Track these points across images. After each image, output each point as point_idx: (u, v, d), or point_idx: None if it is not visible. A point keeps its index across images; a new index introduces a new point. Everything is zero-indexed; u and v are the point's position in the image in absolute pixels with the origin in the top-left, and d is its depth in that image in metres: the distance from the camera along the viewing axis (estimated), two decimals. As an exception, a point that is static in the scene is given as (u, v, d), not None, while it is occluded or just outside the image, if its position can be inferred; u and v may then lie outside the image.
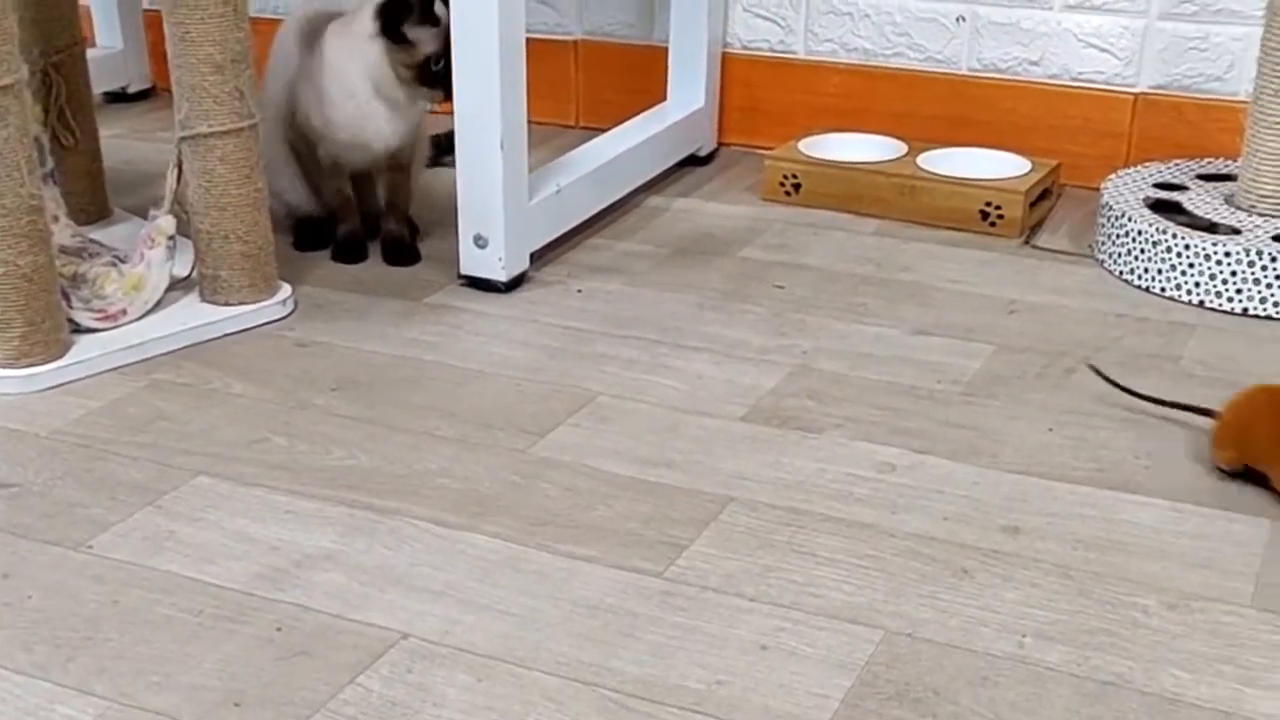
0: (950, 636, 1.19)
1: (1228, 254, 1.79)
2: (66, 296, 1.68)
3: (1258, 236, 1.82)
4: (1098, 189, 2.03)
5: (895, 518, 1.36)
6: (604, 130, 2.24)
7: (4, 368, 1.60)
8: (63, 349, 1.64)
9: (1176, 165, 2.09)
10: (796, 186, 2.19)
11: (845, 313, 1.81)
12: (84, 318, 1.69)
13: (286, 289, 1.81)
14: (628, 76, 2.47)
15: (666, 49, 2.33)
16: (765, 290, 1.88)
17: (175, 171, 1.74)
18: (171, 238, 1.75)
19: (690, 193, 2.25)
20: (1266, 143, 1.86)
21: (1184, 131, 2.17)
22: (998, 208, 2.06)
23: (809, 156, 2.20)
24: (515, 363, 1.68)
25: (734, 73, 2.40)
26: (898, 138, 2.25)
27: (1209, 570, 1.28)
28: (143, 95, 2.77)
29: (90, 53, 2.09)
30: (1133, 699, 1.11)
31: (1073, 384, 1.62)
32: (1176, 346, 1.72)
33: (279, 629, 1.19)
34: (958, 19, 2.26)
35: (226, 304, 1.76)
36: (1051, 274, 1.94)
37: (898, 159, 2.18)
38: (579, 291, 1.88)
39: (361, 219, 1.98)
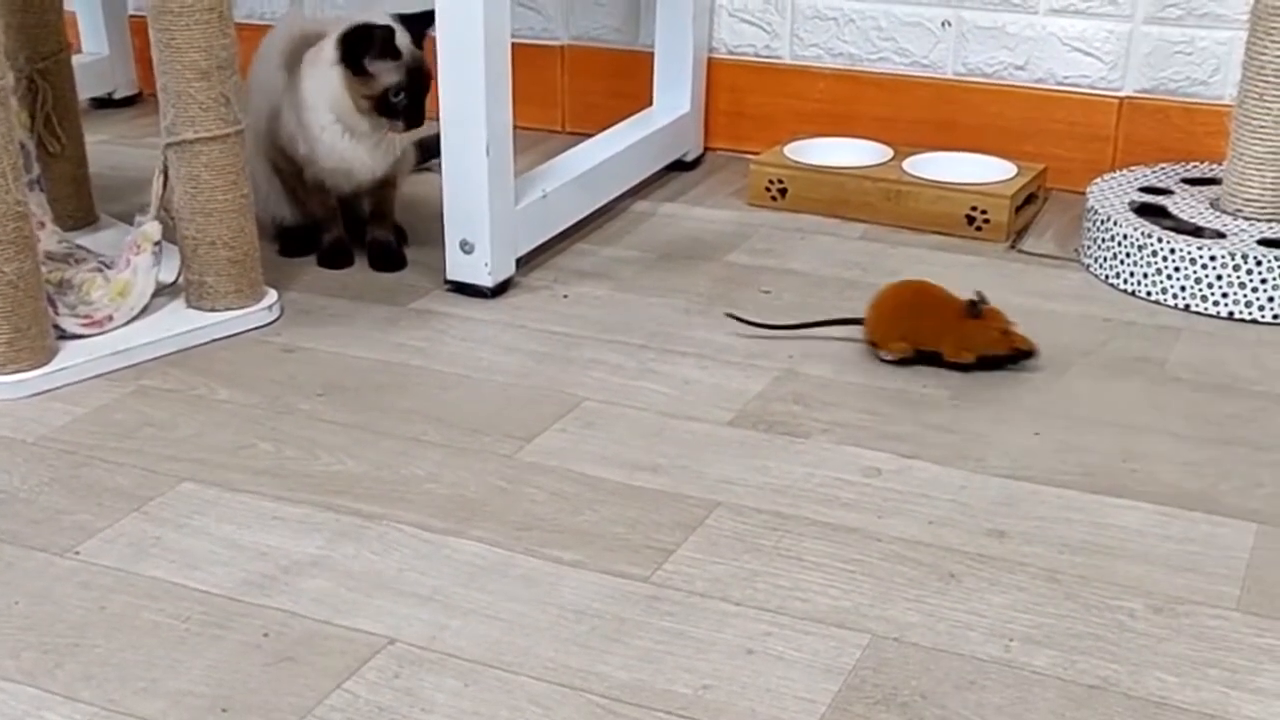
0: (937, 640, 1.19)
1: (1213, 258, 1.80)
2: (53, 303, 1.67)
3: (1243, 240, 1.83)
4: (1083, 193, 2.04)
5: (882, 522, 1.36)
6: (590, 135, 2.25)
7: (-11, 374, 1.60)
8: (49, 355, 1.64)
9: (1162, 169, 2.10)
10: (783, 191, 2.19)
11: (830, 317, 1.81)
12: (70, 324, 1.69)
13: (272, 294, 1.81)
14: (614, 81, 2.47)
15: (653, 54, 2.33)
16: (751, 295, 1.88)
17: (161, 177, 1.74)
18: (157, 243, 1.75)
19: (676, 198, 2.25)
20: (1251, 147, 1.87)
21: (1169, 135, 2.18)
22: (983, 212, 2.06)
23: (795, 161, 2.20)
24: (501, 368, 1.68)
25: (720, 78, 2.41)
26: (883, 142, 2.25)
27: (1195, 574, 1.28)
28: (129, 101, 2.77)
29: (76, 59, 2.09)
30: (1119, 702, 1.12)
31: (1059, 388, 1.63)
32: (1162, 350, 1.72)
33: (266, 635, 1.19)
34: (943, 23, 2.27)
35: (212, 310, 1.76)
36: (1037, 278, 1.94)
37: (883, 164, 2.19)
38: (565, 297, 1.88)
39: (347, 225, 1.98)
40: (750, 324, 1.66)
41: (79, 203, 2.03)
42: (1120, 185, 2.03)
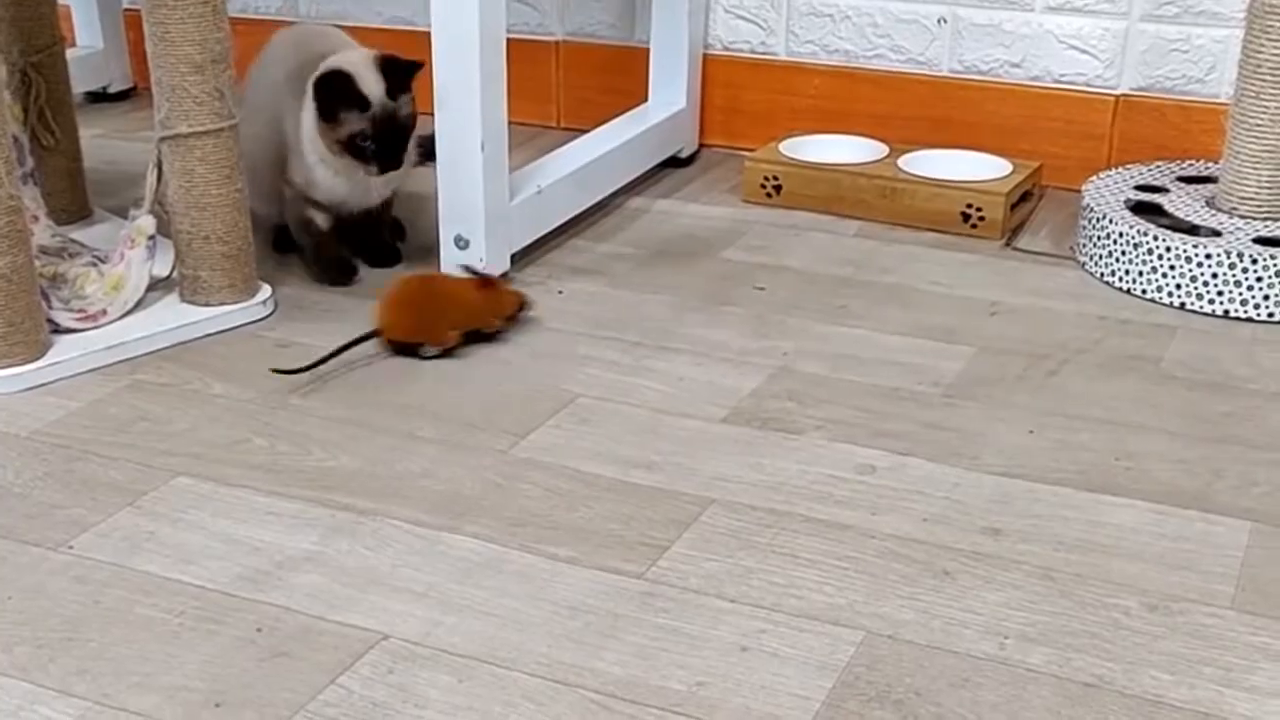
0: (931, 638, 1.19)
1: (1209, 256, 1.80)
2: (46, 297, 1.67)
3: (1239, 239, 1.83)
4: (1079, 191, 2.04)
5: (876, 519, 1.36)
6: (585, 131, 2.24)
7: (-17, 368, 1.59)
8: (42, 349, 1.63)
9: (1158, 167, 2.10)
10: (778, 188, 2.19)
11: (826, 314, 1.81)
12: (64, 318, 1.68)
13: (267, 289, 1.80)
14: (609, 77, 2.47)
15: (648, 50, 2.33)
16: (746, 292, 1.88)
17: (155, 171, 1.74)
18: (152, 238, 1.75)
19: (671, 194, 2.25)
20: (1247, 145, 1.87)
21: (1165, 134, 2.18)
22: (979, 209, 2.06)
23: (790, 158, 2.20)
24: (495, 364, 1.68)
25: (715, 74, 2.40)
26: (879, 139, 2.25)
27: (1189, 572, 1.28)
28: (123, 95, 2.76)
29: (70, 52, 2.09)
30: (1114, 700, 1.12)
31: (1054, 386, 1.63)
32: (1158, 349, 1.72)
33: (260, 630, 1.19)
34: (939, 20, 2.26)
35: (207, 304, 1.75)
36: (1033, 276, 1.94)
37: (879, 160, 2.19)
38: (560, 293, 1.88)
39: (347, 223, 1.96)
40: (290, 372, 1.62)
41: (73, 197, 2.02)
42: (1116, 183, 2.03)
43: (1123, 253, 1.88)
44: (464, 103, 1.76)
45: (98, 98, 2.73)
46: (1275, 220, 1.88)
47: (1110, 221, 1.90)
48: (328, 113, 1.77)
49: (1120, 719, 1.10)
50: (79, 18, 2.70)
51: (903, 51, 2.30)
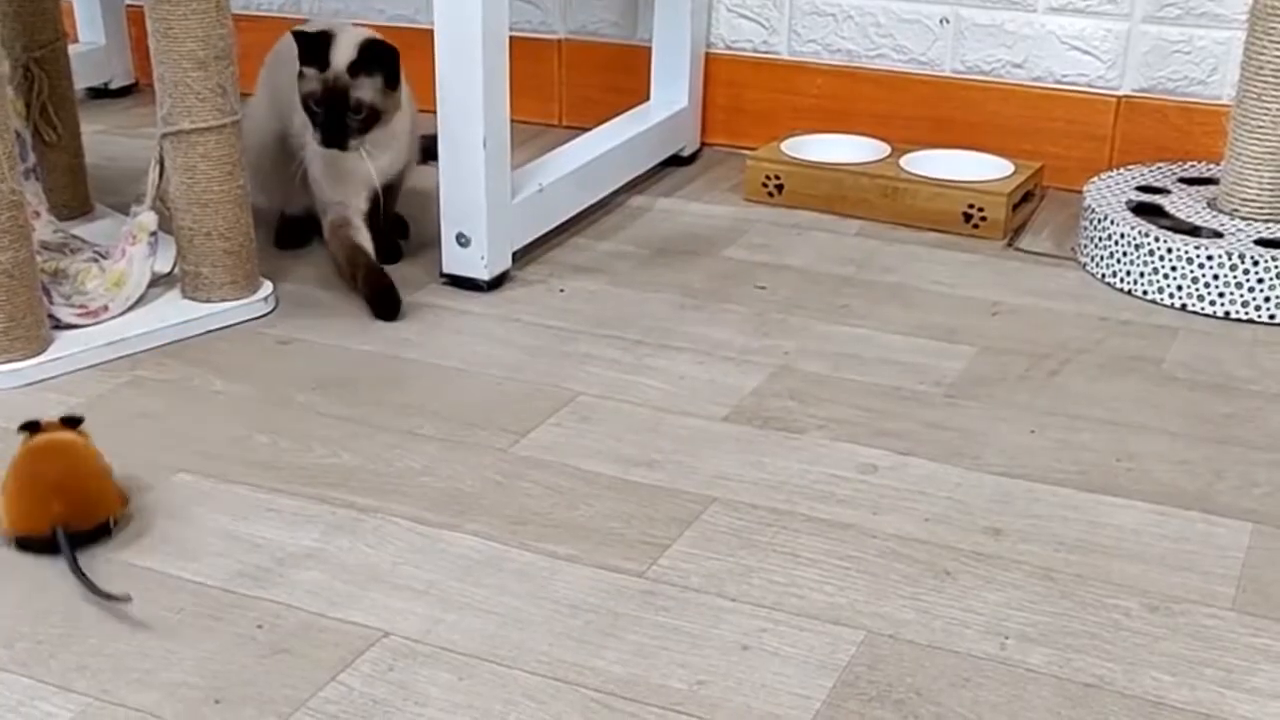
0: (932, 638, 1.19)
1: (1210, 257, 1.80)
2: (48, 292, 1.67)
3: (1240, 240, 1.83)
4: (1080, 192, 2.03)
5: (877, 519, 1.36)
6: (587, 129, 2.24)
7: (-16, 363, 1.59)
8: (44, 345, 1.63)
9: (1159, 168, 2.10)
10: (779, 187, 2.19)
11: (828, 314, 1.81)
12: (65, 314, 1.68)
13: (268, 286, 1.80)
14: (611, 76, 2.47)
15: (650, 48, 2.33)
16: (748, 291, 1.88)
17: (157, 167, 1.74)
18: (153, 234, 1.74)
19: (673, 192, 2.25)
20: (1249, 146, 1.87)
21: (1167, 135, 2.18)
22: (980, 210, 2.06)
23: (792, 157, 2.20)
24: (497, 361, 1.68)
25: (717, 73, 2.40)
26: (881, 139, 2.25)
27: (1190, 573, 1.28)
28: (125, 91, 2.76)
29: (73, 48, 2.08)
30: (1114, 701, 1.12)
31: (1055, 386, 1.63)
32: (1159, 350, 1.72)
33: (260, 627, 1.19)
34: (941, 21, 2.26)
35: (208, 301, 1.75)
36: (1034, 276, 1.94)
37: (881, 160, 2.19)
38: (561, 291, 1.88)
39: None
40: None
41: (75, 192, 2.02)
42: (1117, 184, 2.03)
43: (1124, 254, 1.88)
44: (466, 100, 1.76)
45: (99, 94, 2.73)
46: (1277, 222, 1.88)
47: (1112, 222, 1.89)
48: (300, 65, 1.79)
49: (1121, 720, 1.10)
50: (81, 14, 2.70)
51: (905, 51, 2.30)
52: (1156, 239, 1.84)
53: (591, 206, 2.11)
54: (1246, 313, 1.80)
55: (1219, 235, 1.85)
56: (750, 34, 2.39)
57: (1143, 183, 2.04)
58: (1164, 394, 1.61)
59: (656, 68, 2.32)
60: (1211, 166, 2.08)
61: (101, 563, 1.27)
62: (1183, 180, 2.05)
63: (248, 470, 1.43)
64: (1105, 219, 1.91)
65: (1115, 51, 2.19)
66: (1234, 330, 1.78)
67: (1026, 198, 2.14)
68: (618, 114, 2.29)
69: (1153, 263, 1.84)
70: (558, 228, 2.03)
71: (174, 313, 1.74)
